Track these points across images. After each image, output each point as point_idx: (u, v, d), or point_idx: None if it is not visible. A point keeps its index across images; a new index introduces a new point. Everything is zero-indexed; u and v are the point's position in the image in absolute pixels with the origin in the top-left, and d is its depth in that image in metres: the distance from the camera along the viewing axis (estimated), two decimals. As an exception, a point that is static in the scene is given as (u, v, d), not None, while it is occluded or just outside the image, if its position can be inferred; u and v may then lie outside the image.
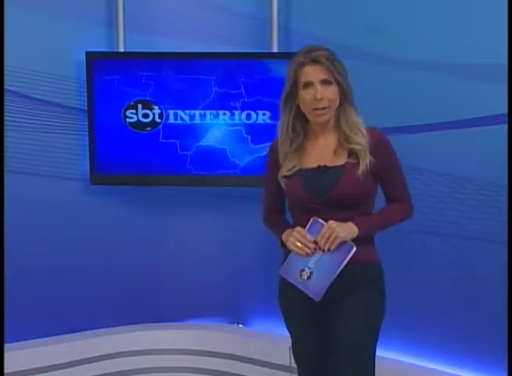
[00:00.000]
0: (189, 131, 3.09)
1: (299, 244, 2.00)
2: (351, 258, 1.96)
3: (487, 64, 2.59)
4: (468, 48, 2.64)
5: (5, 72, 2.95)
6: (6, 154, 2.89)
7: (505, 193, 2.45)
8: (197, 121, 3.08)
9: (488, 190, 2.65)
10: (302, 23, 3.03)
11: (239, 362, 3.15)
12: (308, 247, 1.99)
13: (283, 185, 2.11)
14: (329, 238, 1.97)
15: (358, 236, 2.01)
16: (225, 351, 3.18)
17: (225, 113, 3.06)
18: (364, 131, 2.07)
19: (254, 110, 3.05)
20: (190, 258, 3.30)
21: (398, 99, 2.80)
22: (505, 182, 2.37)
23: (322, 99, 2.01)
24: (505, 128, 2.48)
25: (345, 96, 2.06)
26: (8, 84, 2.99)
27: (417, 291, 2.79)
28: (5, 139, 2.94)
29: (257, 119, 3.05)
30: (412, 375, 2.82)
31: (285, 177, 2.10)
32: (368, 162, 2.04)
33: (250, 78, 3.03)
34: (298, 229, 2.02)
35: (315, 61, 2.01)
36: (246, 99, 3.04)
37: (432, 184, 2.72)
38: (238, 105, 3.05)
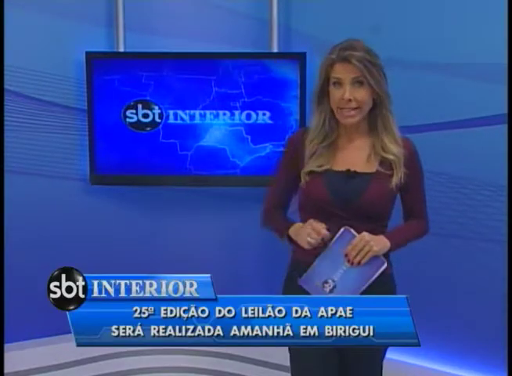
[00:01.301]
0: (189, 131, 3.08)
1: (312, 241, 1.88)
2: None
3: (487, 64, 2.60)
4: (468, 48, 2.64)
5: (5, 72, 2.94)
6: (6, 154, 2.88)
7: (505, 193, 2.45)
8: (197, 121, 3.08)
9: (488, 190, 2.66)
10: (302, 23, 3.03)
11: (239, 362, 3.15)
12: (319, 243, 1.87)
13: (303, 181, 1.99)
14: (360, 251, 1.86)
15: (388, 252, 1.93)
16: (225, 351, 3.18)
17: (225, 113, 3.06)
18: (400, 142, 1.99)
19: (254, 110, 3.05)
20: (190, 258, 3.29)
21: (397, 99, 2.78)
22: (505, 182, 2.37)
23: (350, 100, 1.91)
24: (505, 128, 2.49)
25: (380, 100, 1.96)
26: (8, 84, 2.98)
27: (416, 291, 2.78)
28: (5, 139, 2.94)
29: (257, 119, 3.05)
30: (412, 375, 2.82)
31: (310, 174, 1.98)
32: (402, 175, 1.95)
33: (250, 78, 3.03)
34: (311, 221, 1.90)
35: (345, 60, 1.91)
36: (246, 99, 3.04)
37: (432, 184, 2.72)
38: (238, 105, 3.05)
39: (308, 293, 1.89)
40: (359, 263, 1.86)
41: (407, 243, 2.03)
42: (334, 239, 1.90)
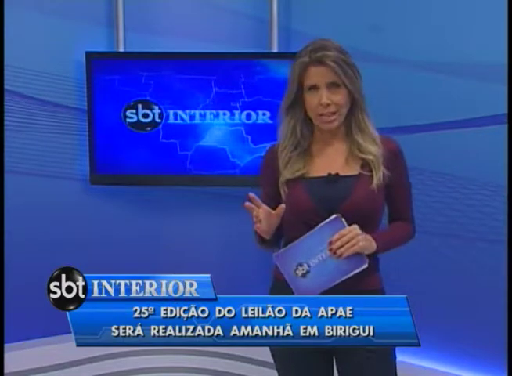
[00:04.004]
0: (189, 131, 3.09)
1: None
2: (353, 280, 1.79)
3: (487, 64, 2.60)
4: (468, 48, 2.64)
5: (5, 72, 2.95)
6: (6, 154, 2.89)
7: (505, 193, 2.45)
8: (197, 121, 3.08)
9: (488, 190, 2.66)
10: (302, 23, 3.03)
11: (239, 362, 3.15)
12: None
13: (282, 193, 1.90)
14: (346, 243, 1.77)
15: (373, 253, 1.83)
16: (225, 351, 3.18)
17: (225, 113, 3.06)
18: (378, 141, 1.89)
19: (254, 110, 3.05)
20: (190, 258, 3.30)
21: (397, 99, 2.80)
22: (505, 182, 2.37)
23: (328, 104, 1.82)
24: (505, 128, 2.49)
25: (355, 102, 1.87)
26: (8, 84, 2.99)
27: (416, 291, 2.78)
28: (5, 139, 2.94)
29: (257, 119, 3.05)
30: (412, 375, 2.82)
31: (287, 182, 1.89)
32: (382, 175, 1.86)
33: (250, 78, 3.03)
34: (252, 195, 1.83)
35: (320, 62, 1.82)
36: (246, 99, 3.04)
37: (432, 184, 2.72)
38: (238, 105, 3.05)
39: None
40: (341, 256, 1.78)
41: (394, 246, 1.94)
42: (323, 223, 1.81)
